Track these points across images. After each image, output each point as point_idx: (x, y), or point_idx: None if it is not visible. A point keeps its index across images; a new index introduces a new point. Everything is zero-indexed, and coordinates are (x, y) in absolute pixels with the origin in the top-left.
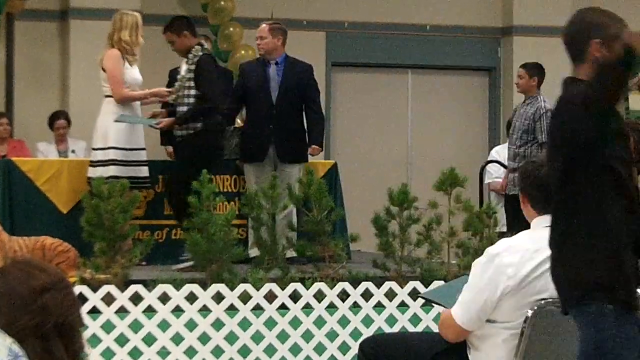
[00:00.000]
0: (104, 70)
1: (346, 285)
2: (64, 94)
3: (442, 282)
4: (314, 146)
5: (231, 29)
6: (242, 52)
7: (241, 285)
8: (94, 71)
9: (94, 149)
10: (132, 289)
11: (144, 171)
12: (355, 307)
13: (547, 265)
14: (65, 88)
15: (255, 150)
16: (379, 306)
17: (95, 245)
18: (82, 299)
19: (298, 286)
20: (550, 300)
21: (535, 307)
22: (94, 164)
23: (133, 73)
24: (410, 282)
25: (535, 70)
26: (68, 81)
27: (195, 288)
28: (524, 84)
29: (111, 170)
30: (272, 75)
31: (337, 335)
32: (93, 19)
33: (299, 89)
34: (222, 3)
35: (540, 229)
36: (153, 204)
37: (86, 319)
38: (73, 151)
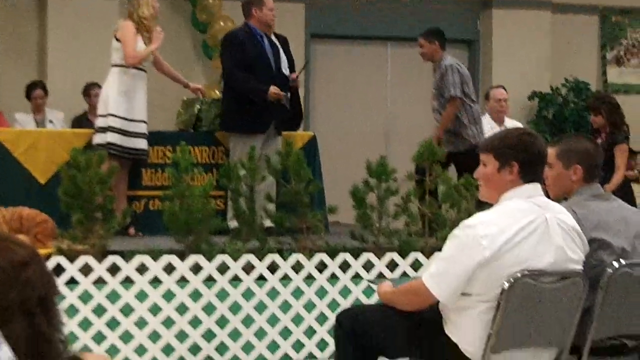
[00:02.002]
0: (117, 40)
1: (324, 257)
2: (41, 65)
3: (419, 254)
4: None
5: (210, 0)
6: (221, 23)
7: (219, 256)
8: (72, 41)
9: (98, 116)
10: (110, 259)
11: (142, 143)
12: (333, 278)
13: (522, 235)
14: (43, 58)
15: (259, 121)
16: (356, 277)
17: (73, 216)
18: (60, 269)
19: (276, 257)
20: (527, 272)
21: (511, 279)
22: (97, 130)
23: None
24: (388, 254)
25: (433, 36)
26: (46, 52)
27: (173, 259)
28: (428, 51)
29: (109, 137)
30: (267, 47)
31: (315, 306)
32: None
33: (289, 61)
34: None
35: (519, 198)
36: (131, 174)
37: (64, 289)
38: (51, 121)
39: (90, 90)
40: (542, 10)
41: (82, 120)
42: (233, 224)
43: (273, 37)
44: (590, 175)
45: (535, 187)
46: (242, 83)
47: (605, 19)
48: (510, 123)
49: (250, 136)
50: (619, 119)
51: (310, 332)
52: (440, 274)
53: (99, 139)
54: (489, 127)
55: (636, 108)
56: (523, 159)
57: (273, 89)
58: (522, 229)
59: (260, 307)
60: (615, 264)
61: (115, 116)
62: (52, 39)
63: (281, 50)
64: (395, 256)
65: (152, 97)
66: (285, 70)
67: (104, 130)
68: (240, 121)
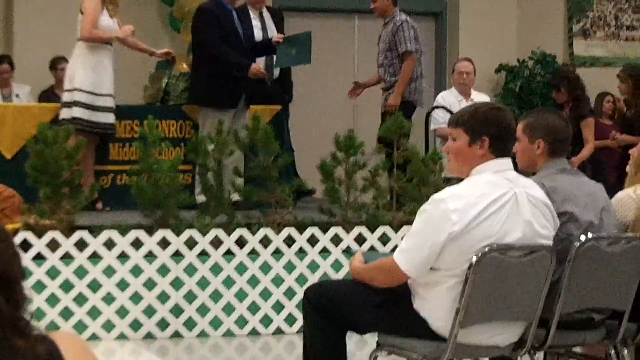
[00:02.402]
0: (82, 12)
1: (292, 231)
2: (8, 39)
3: (388, 228)
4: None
5: None
6: None
7: (187, 231)
8: (39, 15)
9: (64, 91)
10: (78, 235)
11: (110, 118)
12: (302, 252)
13: (492, 210)
14: (9, 32)
15: (230, 95)
16: (325, 252)
17: (40, 191)
18: (27, 245)
19: (244, 232)
20: (495, 246)
21: (480, 254)
22: (62, 105)
23: (110, 23)
24: (357, 228)
25: None
26: (12, 26)
27: (141, 234)
28: (380, 6)
29: (75, 112)
30: (236, 21)
31: (283, 281)
32: None
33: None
34: None
35: (489, 173)
36: (99, 149)
37: (31, 265)
38: (17, 96)
39: (58, 65)
40: None
41: (50, 95)
42: (201, 198)
43: (265, 11)
44: (554, 150)
45: (505, 162)
46: (225, 56)
47: None
48: (478, 96)
49: (220, 111)
50: (582, 93)
51: (278, 307)
52: (411, 249)
53: (65, 113)
54: (455, 101)
55: (602, 81)
56: (494, 134)
57: (255, 67)
58: (492, 203)
59: (229, 283)
60: (583, 238)
61: (82, 91)
62: (19, 12)
63: (272, 25)
64: (363, 230)
65: (120, 70)
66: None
67: (70, 105)
68: (211, 95)
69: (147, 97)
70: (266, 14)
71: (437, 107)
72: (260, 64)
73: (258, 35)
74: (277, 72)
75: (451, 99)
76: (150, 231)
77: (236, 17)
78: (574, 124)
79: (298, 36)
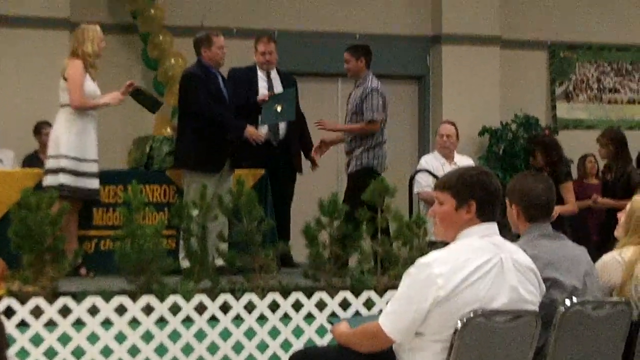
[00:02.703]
0: (65, 79)
1: (276, 296)
2: None
3: (372, 292)
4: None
5: (161, 37)
6: (172, 60)
7: (171, 296)
8: (21, 80)
9: (48, 157)
10: (61, 301)
11: (94, 183)
12: (286, 317)
13: (478, 275)
14: None
15: (214, 160)
16: (309, 317)
17: (23, 257)
18: (10, 312)
19: (228, 297)
20: (480, 311)
21: (465, 319)
22: (47, 171)
23: (93, 87)
24: (341, 293)
25: (361, 52)
26: None
27: (124, 300)
28: (353, 67)
29: (61, 178)
30: (221, 84)
31: (268, 346)
32: (20, 27)
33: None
34: (152, 11)
35: (473, 237)
36: (82, 214)
37: (14, 332)
38: (1, 161)
39: (42, 129)
40: (491, 46)
41: (33, 159)
42: (185, 263)
43: (274, 73)
44: (531, 215)
45: (491, 226)
46: (220, 117)
47: (554, 55)
48: (461, 159)
49: (205, 174)
50: (558, 157)
51: None
52: (395, 313)
53: (50, 180)
54: (438, 164)
55: (585, 143)
56: (481, 198)
57: (251, 128)
58: (477, 268)
59: (213, 348)
60: (567, 302)
61: (67, 157)
62: (1, 76)
63: (279, 87)
64: (348, 295)
65: (102, 134)
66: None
67: (55, 171)
68: (195, 159)
69: (130, 161)
70: (274, 76)
71: (420, 171)
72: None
73: (263, 95)
74: (282, 133)
75: (434, 162)
76: (134, 297)
77: (221, 80)
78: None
79: (282, 93)
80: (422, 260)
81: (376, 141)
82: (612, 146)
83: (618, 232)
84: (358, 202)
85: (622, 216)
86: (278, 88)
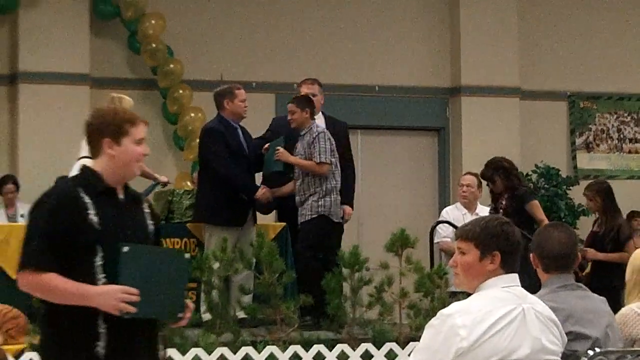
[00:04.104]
0: None
1: (298, 349)
2: (12, 158)
3: (394, 344)
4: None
5: (180, 91)
6: (192, 114)
7: (193, 349)
8: (43, 134)
9: None
10: None
11: None
12: None
13: (500, 325)
14: (14, 152)
15: (236, 214)
16: None
17: None
18: None
19: (250, 350)
20: None
21: None
22: None
23: None
24: (363, 345)
25: (306, 104)
26: (17, 145)
27: None
28: (298, 118)
29: None
30: (241, 138)
31: None
32: (42, 82)
33: None
34: (172, 66)
35: (495, 288)
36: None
37: None
38: (22, 215)
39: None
40: (511, 96)
41: None
42: (207, 316)
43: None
44: (548, 266)
45: (513, 277)
46: (233, 178)
47: (574, 105)
48: (483, 209)
49: (226, 228)
50: (517, 180)
51: None
52: None
53: None
54: (460, 214)
55: None
56: (504, 249)
57: (260, 192)
58: (500, 319)
59: None
60: (590, 352)
61: None
62: (23, 132)
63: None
64: (369, 347)
65: None
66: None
67: None
68: (216, 212)
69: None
70: (320, 120)
71: (441, 222)
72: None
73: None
74: None
75: (455, 213)
76: None
77: (241, 133)
78: (519, 211)
79: (273, 142)
80: (444, 312)
81: (328, 187)
82: (599, 198)
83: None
84: (315, 252)
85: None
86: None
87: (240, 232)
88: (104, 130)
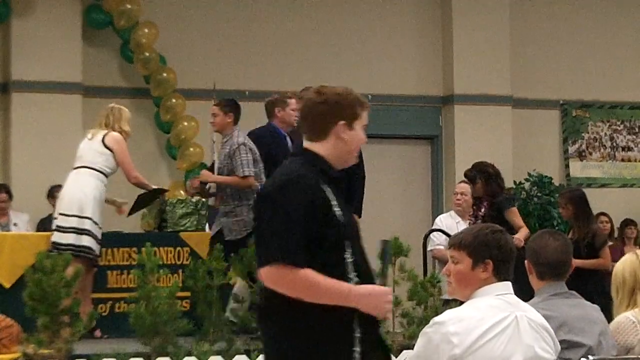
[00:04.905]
0: (106, 146)
1: None
2: (5, 167)
3: None
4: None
5: (174, 100)
6: (185, 123)
7: (186, 358)
8: (36, 143)
9: (64, 215)
10: None
11: (99, 249)
12: None
13: (493, 333)
14: (7, 161)
15: None
16: None
17: (38, 320)
18: None
19: (244, 359)
20: None
21: None
22: (66, 229)
23: None
24: None
25: (230, 107)
26: (9, 154)
27: None
28: (220, 121)
29: (84, 240)
30: (290, 147)
31: None
32: (35, 91)
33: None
34: (165, 75)
35: (489, 296)
36: (96, 276)
37: None
38: (15, 224)
39: (55, 192)
40: (503, 105)
41: (48, 223)
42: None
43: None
44: (540, 272)
45: (506, 285)
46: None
47: (566, 113)
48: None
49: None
50: (498, 187)
51: None
52: None
53: (72, 239)
54: (453, 222)
55: (599, 201)
56: (497, 257)
57: None
58: (493, 326)
59: None
60: None
61: (93, 221)
62: (16, 140)
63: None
64: None
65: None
66: None
67: (79, 232)
68: None
69: (144, 224)
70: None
71: (434, 230)
72: None
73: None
74: None
75: (449, 221)
76: (149, 359)
77: (289, 140)
78: (498, 219)
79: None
80: (437, 319)
81: (248, 196)
82: (570, 206)
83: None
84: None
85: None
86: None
87: None
88: (341, 111)
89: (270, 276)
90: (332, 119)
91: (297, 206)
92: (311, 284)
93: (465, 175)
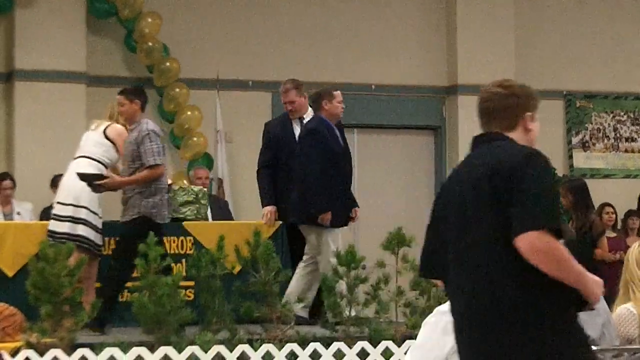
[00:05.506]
0: (107, 138)
1: (294, 347)
2: (9, 156)
3: (390, 342)
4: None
5: (177, 90)
6: (188, 112)
7: (189, 347)
8: (39, 133)
9: (61, 204)
10: (79, 353)
11: (100, 239)
12: None
13: None
14: (10, 149)
15: (340, 215)
16: None
17: (41, 309)
18: None
19: (246, 348)
20: None
21: None
22: (62, 218)
23: None
24: (359, 343)
25: (135, 94)
26: (13, 143)
27: (142, 351)
28: (127, 110)
29: (80, 229)
30: (340, 140)
31: None
32: (38, 80)
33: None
34: (168, 64)
35: None
36: (100, 266)
37: None
38: (18, 213)
39: (59, 182)
40: None
41: (51, 212)
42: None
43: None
44: None
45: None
46: (314, 188)
47: (570, 104)
48: None
49: (332, 229)
50: None
51: None
52: None
53: (67, 228)
54: None
55: (602, 192)
56: None
57: (326, 216)
58: None
59: None
60: None
61: (89, 210)
62: (19, 130)
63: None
64: (366, 345)
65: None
66: None
67: (75, 221)
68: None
69: None
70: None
71: None
72: None
73: None
74: None
75: None
76: (152, 348)
77: (338, 132)
78: None
79: None
80: (440, 309)
81: (155, 188)
82: (570, 196)
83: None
84: (131, 253)
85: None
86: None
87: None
88: (527, 103)
89: (535, 242)
90: (521, 111)
91: (551, 182)
92: (565, 257)
93: None
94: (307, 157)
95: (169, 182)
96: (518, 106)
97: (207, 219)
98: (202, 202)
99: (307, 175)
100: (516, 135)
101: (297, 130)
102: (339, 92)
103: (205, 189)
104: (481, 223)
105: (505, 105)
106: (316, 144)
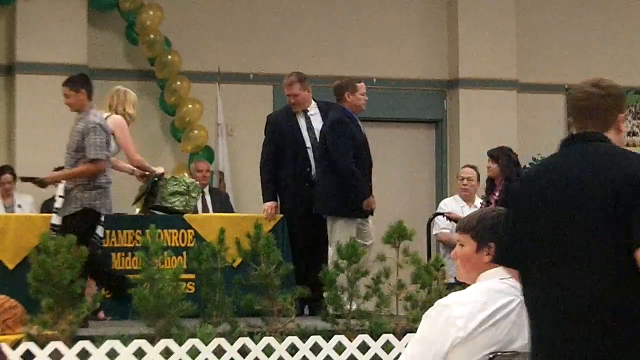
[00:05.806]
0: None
1: (295, 340)
2: (9, 149)
3: (391, 335)
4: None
5: (178, 82)
6: (189, 105)
7: (190, 340)
8: (40, 125)
9: (62, 197)
10: (80, 345)
11: (102, 230)
12: None
13: (497, 317)
14: (11, 142)
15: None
16: None
17: (42, 302)
18: (30, 355)
19: (247, 341)
20: (499, 353)
21: None
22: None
23: None
24: (359, 336)
25: (80, 84)
26: (14, 135)
27: (143, 344)
28: (74, 101)
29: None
30: (301, 123)
31: None
32: (39, 73)
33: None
34: (169, 57)
35: (495, 279)
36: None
37: None
38: (19, 206)
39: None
40: (508, 89)
41: (51, 205)
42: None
43: (314, 109)
44: None
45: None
46: (353, 175)
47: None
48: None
49: (351, 220)
50: (514, 174)
51: None
52: (414, 356)
53: None
54: (457, 207)
55: None
56: (493, 239)
57: (371, 200)
58: (497, 310)
59: None
60: None
61: None
62: (20, 122)
63: (318, 124)
64: (366, 338)
65: (117, 180)
66: None
67: None
68: (342, 204)
69: (135, 199)
70: (314, 112)
71: (438, 214)
72: None
73: (305, 135)
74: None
75: (453, 205)
76: (153, 341)
77: (361, 125)
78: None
79: None
80: (442, 302)
81: (98, 181)
82: (504, 160)
83: None
84: (86, 244)
85: None
86: (317, 127)
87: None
88: (621, 105)
89: None
90: (617, 112)
91: None
92: None
93: (489, 152)
94: (336, 147)
95: (161, 171)
96: (614, 107)
97: (196, 212)
98: (193, 194)
99: (344, 165)
100: (610, 136)
101: (302, 122)
102: (362, 84)
103: (198, 183)
104: (596, 228)
105: (602, 105)
106: (342, 134)
